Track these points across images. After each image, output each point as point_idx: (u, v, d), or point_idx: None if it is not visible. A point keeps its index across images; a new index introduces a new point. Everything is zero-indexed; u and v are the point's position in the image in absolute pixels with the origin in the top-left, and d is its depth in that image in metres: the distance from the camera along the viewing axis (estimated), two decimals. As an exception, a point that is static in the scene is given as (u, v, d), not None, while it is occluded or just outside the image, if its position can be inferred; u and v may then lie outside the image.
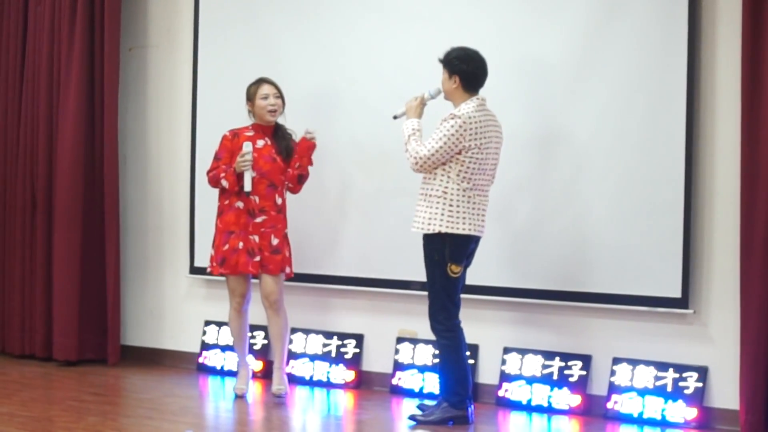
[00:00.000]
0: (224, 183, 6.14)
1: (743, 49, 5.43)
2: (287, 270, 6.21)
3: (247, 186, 6.05)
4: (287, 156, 6.17)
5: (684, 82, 5.70)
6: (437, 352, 5.73)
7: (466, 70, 5.58)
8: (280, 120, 6.27)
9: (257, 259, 6.12)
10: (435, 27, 6.33)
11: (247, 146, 6.07)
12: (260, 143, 6.17)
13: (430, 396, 6.25)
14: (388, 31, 6.52)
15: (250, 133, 6.20)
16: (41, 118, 7.36)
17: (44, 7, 7.39)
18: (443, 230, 5.48)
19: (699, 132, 5.74)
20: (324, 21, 6.74)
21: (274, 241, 6.11)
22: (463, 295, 5.81)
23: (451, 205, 5.48)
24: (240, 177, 6.08)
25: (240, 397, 6.26)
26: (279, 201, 6.15)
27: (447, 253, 5.51)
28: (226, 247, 6.15)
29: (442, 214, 5.48)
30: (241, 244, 6.14)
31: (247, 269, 6.13)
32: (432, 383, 6.30)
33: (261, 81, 6.22)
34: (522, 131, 6.06)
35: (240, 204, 6.16)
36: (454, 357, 5.59)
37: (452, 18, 6.31)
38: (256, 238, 6.12)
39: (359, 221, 6.61)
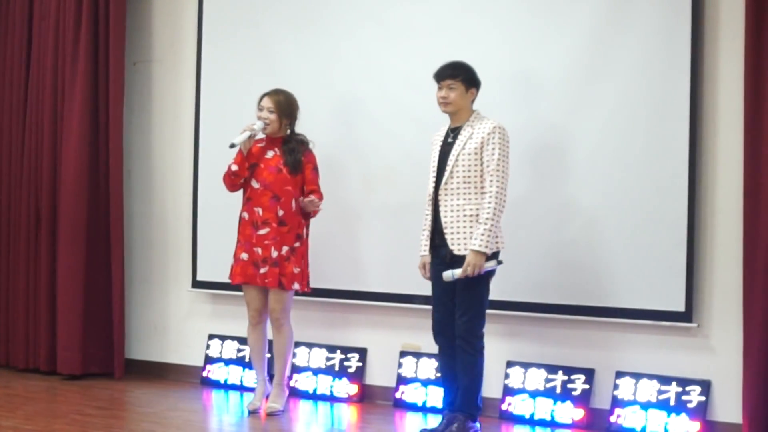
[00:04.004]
0: (233, 167, 6.14)
1: (746, 62, 5.44)
2: (295, 286, 6.15)
3: (236, 139, 6.06)
4: (294, 169, 6.14)
5: (687, 96, 5.71)
6: (465, 367, 5.53)
7: (480, 83, 5.61)
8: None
9: (262, 271, 6.12)
10: (438, 38, 6.35)
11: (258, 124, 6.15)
12: (270, 154, 6.17)
13: (434, 410, 6.26)
14: (391, 43, 6.54)
15: (261, 144, 6.21)
16: (46, 133, 7.39)
17: (48, 23, 7.42)
18: (500, 247, 5.49)
19: (702, 146, 5.75)
20: (327, 34, 6.76)
21: (274, 254, 6.09)
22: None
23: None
24: (244, 159, 6.14)
25: (252, 413, 6.25)
26: (281, 213, 6.11)
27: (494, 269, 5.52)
28: (239, 257, 6.18)
29: (497, 232, 5.45)
30: (245, 256, 6.15)
31: (255, 281, 6.13)
32: (435, 397, 6.30)
33: (266, 93, 6.21)
34: (525, 143, 6.07)
35: (245, 215, 6.17)
36: (481, 371, 5.56)
37: (455, 30, 6.32)
38: (260, 251, 6.12)
39: (362, 235, 6.62)
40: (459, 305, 5.51)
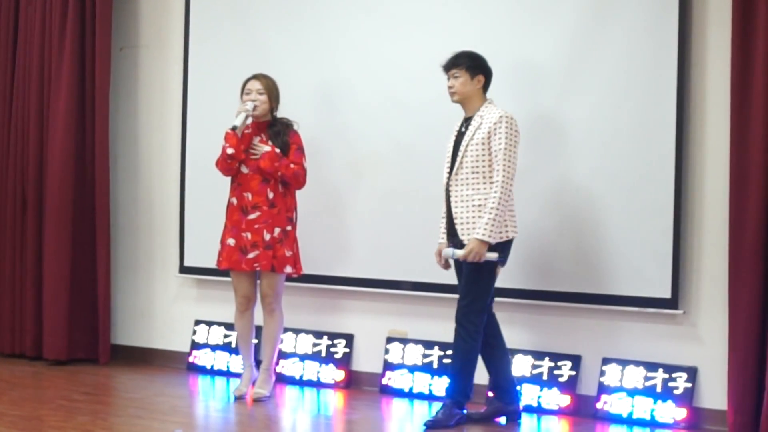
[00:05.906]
0: (229, 150, 6.09)
1: (733, 51, 5.44)
2: (288, 269, 6.15)
3: (237, 121, 6.08)
4: (282, 151, 6.11)
5: (674, 85, 5.71)
6: (457, 352, 5.57)
7: (490, 69, 5.60)
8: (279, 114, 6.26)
9: (250, 256, 6.10)
10: (426, 28, 6.34)
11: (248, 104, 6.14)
12: (256, 140, 6.16)
13: (420, 396, 6.27)
14: (379, 32, 6.52)
15: (248, 131, 6.19)
16: (32, 118, 7.36)
17: (35, 7, 7.39)
18: (510, 236, 5.50)
19: (689, 134, 5.76)
20: (315, 21, 6.74)
21: (266, 237, 6.08)
22: (452, 296, 5.84)
23: (509, 210, 5.49)
24: (239, 141, 6.09)
25: (239, 399, 6.23)
26: (271, 195, 6.10)
27: (502, 257, 5.50)
28: (226, 242, 6.16)
29: (505, 221, 5.46)
30: (232, 241, 6.13)
31: (240, 266, 6.12)
32: (422, 383, 6.31)
33: (251, 77, 6.21)
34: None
35: (234, 200, 6.16)
36: (473, 359, 5.57)
37: (444, 20, 6.31)
38: (249, 235, 6.09)
39: (349, 220, 6.62)
40: (460, 290, 5.55)
